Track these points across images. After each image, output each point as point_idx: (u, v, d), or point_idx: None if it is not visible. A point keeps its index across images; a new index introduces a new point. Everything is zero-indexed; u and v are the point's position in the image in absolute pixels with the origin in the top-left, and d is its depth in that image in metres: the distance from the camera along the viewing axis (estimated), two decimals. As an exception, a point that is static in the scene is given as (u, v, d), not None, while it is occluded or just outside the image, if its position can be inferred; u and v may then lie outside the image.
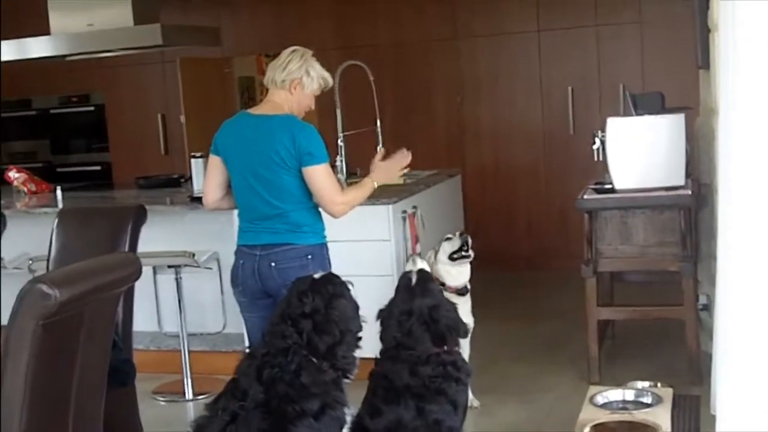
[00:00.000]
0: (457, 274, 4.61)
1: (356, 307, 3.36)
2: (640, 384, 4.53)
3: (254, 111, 4.10)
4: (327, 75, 4.05)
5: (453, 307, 3.68)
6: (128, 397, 3.84)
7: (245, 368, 3.18)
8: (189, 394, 5.32)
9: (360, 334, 3.34)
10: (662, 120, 4.86)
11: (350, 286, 3.44)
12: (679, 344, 5.22)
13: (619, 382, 4.63)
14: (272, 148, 3.86)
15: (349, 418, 3.23)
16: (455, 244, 4.63)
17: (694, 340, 5.00)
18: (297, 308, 3.21)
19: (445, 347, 3.55)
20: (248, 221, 4.02)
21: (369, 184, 4.10)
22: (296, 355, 3.10)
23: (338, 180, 4.21)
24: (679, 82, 6.48)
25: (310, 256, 3.94)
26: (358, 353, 3.31)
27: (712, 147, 5.17)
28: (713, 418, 4.36)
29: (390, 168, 4.18)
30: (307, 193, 3.93)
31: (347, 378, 3.25)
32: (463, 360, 3.66)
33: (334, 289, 3.30)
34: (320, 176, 3.88)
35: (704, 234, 5.33)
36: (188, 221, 5.69)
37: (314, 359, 3.15)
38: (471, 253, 4.62)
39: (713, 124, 5.01)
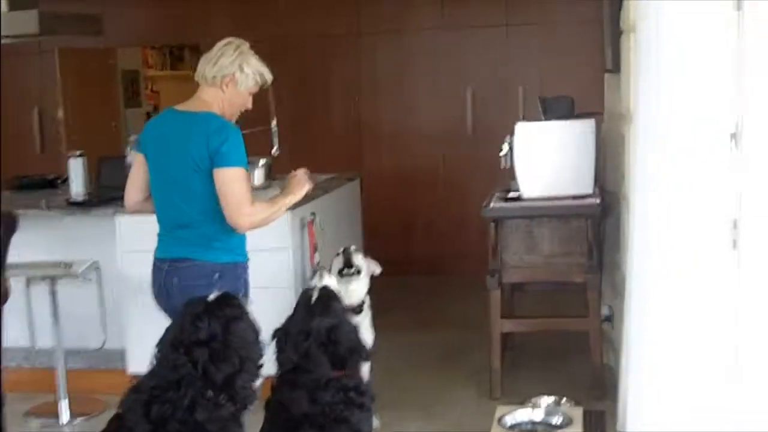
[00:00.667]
0: (347, 292, 4.21)
1: (256, 331, 3.03)
2: (544, 400, 4.41)
3: (180, 107, 3.72)
4: (265, 70, 3.69)
5: (354, 328, 3.41)
6: (-5, 430, 3.45)
7: (131, 403, 2.81)
8: (65, 416, 4.93)
9: (261, 361, 3.01)
10: (573, 125, 4.70)
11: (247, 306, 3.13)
12: (579, 356, 5.12)
13: (523, 396, 4.52)
14: (186, 148, 3.51)
15: None
16: (340, 260, 4.37)
17: (598, 353, 4.87)
18: (191, 334, 2.86)
19: (346, 371, 3.26)
20: (162, 230, 3.72)
21: (281, 201, 3.70)
22: (190, 388, 2.75)
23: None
24: (579, 85, 6.34)
25: (217, 275, 3.55)
26: (258, 382, 2.99)
27: (619, 154, 5.05)
28: (620, 435, 4.26)
29: (297, 185, 3.79)
30: (217, 202, 3.53)
31: (246, 409, 2.92)
32: (366, 384, 3.37)
33: (231, 311, 2.95)
34: (229, 180, 3.46)
35: (609, 244, 5.20)
36: (66, 227, 5.28)
37: (211, 392, 2.80)
38: (359, 268, 4.37)
39: (621, 130, 4.89)
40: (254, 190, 3.81)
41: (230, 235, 3.58)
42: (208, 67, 3.62)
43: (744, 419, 3.51)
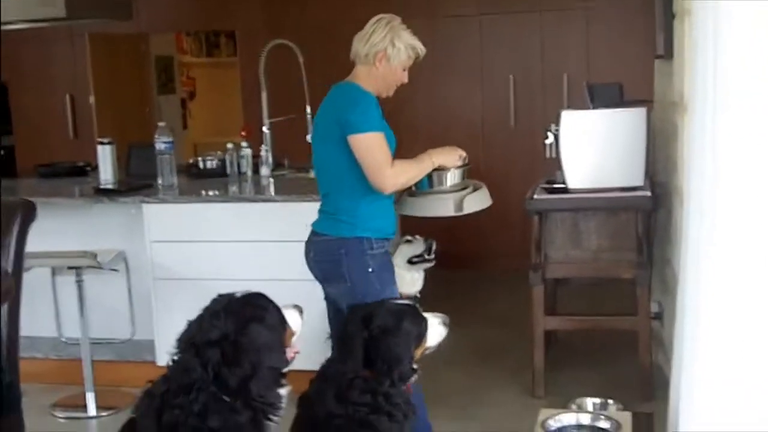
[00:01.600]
0: (411, 280, 4.11)
1: (277, 338, 2.78)
2: (590, 401, 4.20)
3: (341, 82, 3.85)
4: (417, 44, 3.68)
5: (408, 345, 3.15)
6: (12, 428, 3.29)
7: (144, 409, 2.63)
8: (92, 410, 4.79)
9: (282, 368, 2.79)
10: (622, 114, 4.45)
11: (294, 313, 2.93)
12: (627, 355, 4.91)
13: (566, 397, 4.30)
14: (323, 119, 3.71)
15: None
16: (418, 247, 4.14)
17: (647, 352, 4.65)
18: (205, 334, 2.67)
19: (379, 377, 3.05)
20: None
21: (427, 160, 3.75)
22: (201, 392, 2.55)
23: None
24: (627, 72, 6.10)
25: (343, 251, 3.59)
26: (283, 390, 2.77)
27: (671, 144, 4.83)
28: (671, 439, 4.06)
29: (450, 152, 3.86)
30: (351, 173, 3.58)
31: (270, 419, 2.68)
32: (402, 395, 3.11)
33: (252, 311, 2.75)
34: (364, 146, 3.51)
35: (659, 238, 4.97)
36: (94, 215, 5.14)
37: (225, 397, 2.59)
38: (433, 257, 4.15)
39: (674, 118, 4.66)
40: (451, 188, 3.97)
41: (355, 209, 3.61)
42: (360, 45, 3.68)
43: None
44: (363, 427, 2.90)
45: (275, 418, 2.67)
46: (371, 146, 3.52)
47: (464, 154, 3.90)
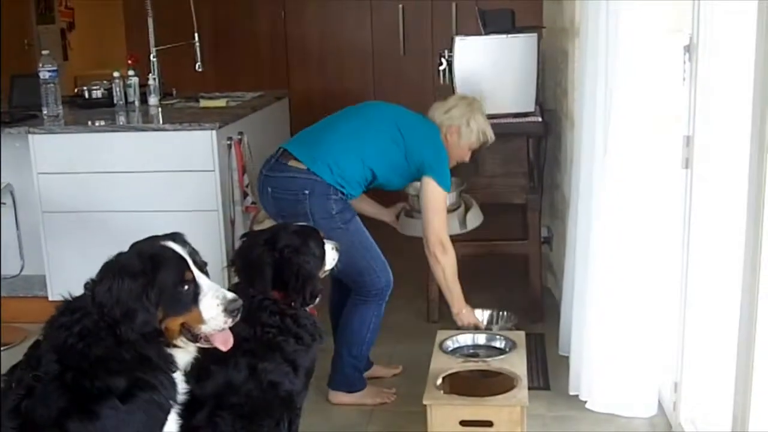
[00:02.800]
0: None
1: (137, 303, 2.35)
2: (486, 313, 4.30)
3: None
4: (489, 130, 3.97)
5: (317, 264, 3.16)
6: None
7: (47, 329, 2.50)
8: (-17, 346, 4.66)
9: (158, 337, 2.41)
10: (515, 41, 4.48)
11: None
12: (518, 279, 5.01)
13: (460, 321, 4.38)
14: (395, 121, 3.88)
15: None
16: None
17: (537, 276, 4.78)
18: (110, 262, 2.45)
19: (289, 299, 3.06)
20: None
21: (457, 302, 4.02)
22: (85, 316, 2.34)
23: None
24: None
25: (307, 191, 3.68)
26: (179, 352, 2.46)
27: (560, 70, 4.91)
28: (561, 358, 4.20)
29: (465, 320, 4.02)
30: (377, 159, 3.79)
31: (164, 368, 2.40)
32: (310, 318, 3.11)
33: (140, 262, 2.40)
34: (436, 197, 3.83)
35: (548, 164, 5.08)
36: (-23, 148, 4.97)
37: (116, 330, 2.33)
38: None
39: (564, 45, 4.74)
40: (450, 206, 4.19)
41: (346, 170, 3.72)
42: (438, 112, 3.95)
43: (688, 342, 3.44)
44: (271, 350, 2.90)
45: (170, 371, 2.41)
46: (440, 203, 3.84)
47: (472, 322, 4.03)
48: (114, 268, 2.38)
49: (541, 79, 4.90)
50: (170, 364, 2.39)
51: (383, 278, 3.85)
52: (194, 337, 2.45)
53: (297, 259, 3.05)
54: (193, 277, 2.42)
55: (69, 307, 2.40)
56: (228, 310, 2.43)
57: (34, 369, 2.33)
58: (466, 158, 4.00)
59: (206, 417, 2.76)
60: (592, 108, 3.68)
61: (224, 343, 2.50)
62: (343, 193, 3.72)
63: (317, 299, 3.14)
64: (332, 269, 3.32)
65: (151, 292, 2.34)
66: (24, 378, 2.33)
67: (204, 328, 2.43)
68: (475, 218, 4.40)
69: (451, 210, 4.16)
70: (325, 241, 3.24)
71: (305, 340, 3.00)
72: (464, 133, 3.89)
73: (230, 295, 2.46)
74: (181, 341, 2.43)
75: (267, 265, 3.01)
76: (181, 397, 2.43)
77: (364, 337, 3.90)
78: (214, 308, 2.42)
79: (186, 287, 2.40)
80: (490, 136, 3.95)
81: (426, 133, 3.85)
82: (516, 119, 4.53)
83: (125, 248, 2.53)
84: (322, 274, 3.24)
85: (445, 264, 3.89)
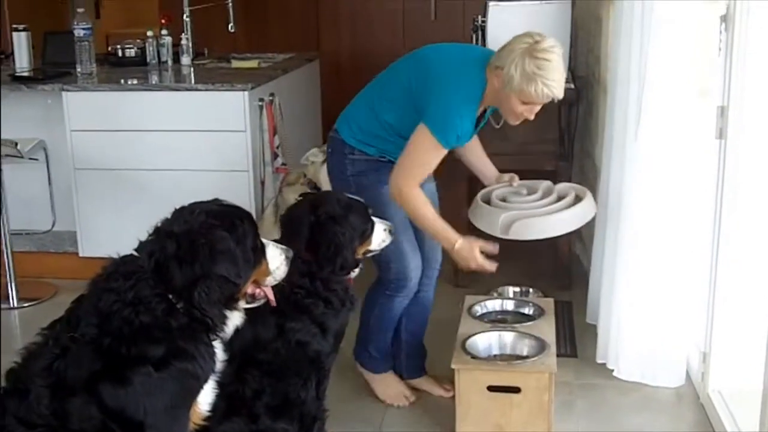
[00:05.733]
0: None
1: (241, 255, 2.38)
2: (511, 290, 4.32)
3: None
4: (547, 84, 3.06)
5: (352, 237, 3.05)
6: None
7: (93, 289, 2.38)
8: (14, 300, 4.75)
9: (235, 281, 2.38)
10: (548, 7, 4.45)
11: (277, 251, 2.56)
12: (546, 246, 4.99)
13: (487, 286, 4.39)
14: (425, 68, 3.32)
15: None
16: None
17: (566, 243, 4.77)
18: (169, 224, 2.41)
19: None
20: None
21: (448, 239, 3.28)
22: (139, 281, 2.30)
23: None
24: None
25: (330, 150, 3.53)
26: (233, 314, 2.44)
27: (593, 37, 4.88)
28: (589, 326, 4.20)
29: (470, 258, 3.28)
30: (388, 110, 3.34)
31: (212, 335, 2.36)
32: (345, 286, 3.07)
33: (228, 220, 2.39)
34: (419, 141, 3.19)
35: (579, 131, 5.05)
36: (11, 104, 4.99)
37: (169, 295, 2.30)
38: None
39: (598, 11, 4.71)
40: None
41: (363, 125, 3.40)
42: (499, 48, 3.19)
43: (718, 312, 3.44)
44: (299, 311, 2.90)
45: (217, 335, 2.39)
46: (420, 151, 3.21)
47: (484, 265, 3.33)
48: (200, 230, 2.33)
49: (574, 46, 4.87)
50: (225, 326, 2.39)
51: (396, 266, 3.48)
52: (251, 297, 2.50)
53: (332, 227, 2.99)
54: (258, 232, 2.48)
55: (120, 270, 2.35)
56: (288, 258, 2.52)
57: (73, 328, 2.32)
58: (521, 114, 3.20)
59: (234, 373, 2.78)
60: (626, 76, 3.65)
61: (273, 295, 2.56)
62: (364, 152, 3.38)
63: (350, 272, 3.09)
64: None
65: (247, 245, 2.39)
66: (61, 337, 2.32)
67: (268, 280, 2.50)
68: (529, 230, 3.45)
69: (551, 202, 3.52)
70: (375, 219, 3.17)
71: (334, 305, 2.99)
72: (506, 79, 3.07)
73: (283, 245, 2.55)
74: (242, 302, 2.46)
75: (304, 225, 2.99)
76: (218, 367, 2.43)
77: (368, 319, 3.64)
78: (278, 258, 2.50)
79: (259, 241, 2.46)
80: (548, 91, 3.08)
81: (442, 74, 3.22)
82: (548, 86, 4.50)
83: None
84: (363, 252, 3.17)
85: (409, 211, 3.28)
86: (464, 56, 3.30)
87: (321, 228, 2.99)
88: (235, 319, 2.44)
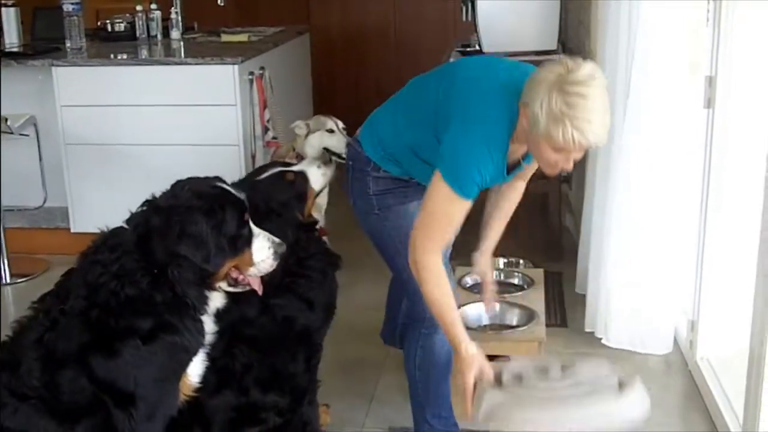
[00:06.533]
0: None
1: (215, 240, 2.35)
2: (501, 261, 4.34)
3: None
4: (567, 128, 2.32)
5: (287, 215, 2.90)
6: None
7: (82, 262, 2.42)
8: (6, 277, 4.78)
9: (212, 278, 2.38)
10: (539, -24, 4.46)
11: (266, 243, 2.50)
12: (537, 217, 5.03)
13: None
14: (450, 90, 2.68)
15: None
16: (339, 141, 4.15)
17: (556, 215, 4.80)
18: (161, 199, 2.43)
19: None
20: None
21: (460, 343, 2.63)
22: (125, 254, 2.30)
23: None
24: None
25: (351, 163, 2.98)
26: (213, 294, 2.43)
27: (582, 8, 4.88)
28: (578, 296, 4.23)
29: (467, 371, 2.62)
30: (414, 134, 2.76)
31: (194, 311, 2.36)
32: (321, 250, 3.04)
33: (209, 199, 2.37)
34: (436, 196, 2.59)
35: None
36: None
37: (154, 269, 2.31)
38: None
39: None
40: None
41: (388, 145, 2.85)
42: (528, 78, 2.49)
43: (705, 281, 3.47)
44: (282, 289, 2.83)
45: (199, 312, 2.39)
46: (438, 204, 2.59)
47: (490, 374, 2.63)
48: (179, 208, 2.33)
49: (564, 17, 4.87)
50: (205, 306, 2.40)
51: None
52: (234, 281, 2.47)
53: (263, 220, 2.71)
54: (248, 220, 2.45)
55: (107, 243, 2.37)
56: (276, 253, 2.47)
57: (62, 301, 2.35)
58: (556, 163, 2.47)
59: (223, 348, 2.78)
60: (615, 47, 3.66)
61: (260, 286, 2.54)
62: (389, 172, 2.88)
63: (314, 230, 3.03)
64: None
65: (224, 232, 2.35)
66: (51, 310, 2.35)
67: (252, 271, 2.46)
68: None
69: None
70: (306, 165, 3.05)
71: (315, 279, 2.94)
72: (532, 119, 2.40)
73: (276, 239, 2.49)
74: (221, 285, 2.45)
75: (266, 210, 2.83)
76: (208, 340, 2.45)
77: (413, 375, 3.07)
78: (265, 251, 2.46)
79: (245, 230, 2.42)
80: (580, 136, 2.33)
81: (462, 106, 2.62)
82: (538, 57, 4.49)
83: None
84: (315, 199, 3.07)
85: (425, 282, 2.65)
86: (495, 81, 2.62)
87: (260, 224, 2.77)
88: (215, 301, 2.44)
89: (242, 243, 2.42)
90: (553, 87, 2.34)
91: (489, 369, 2.61)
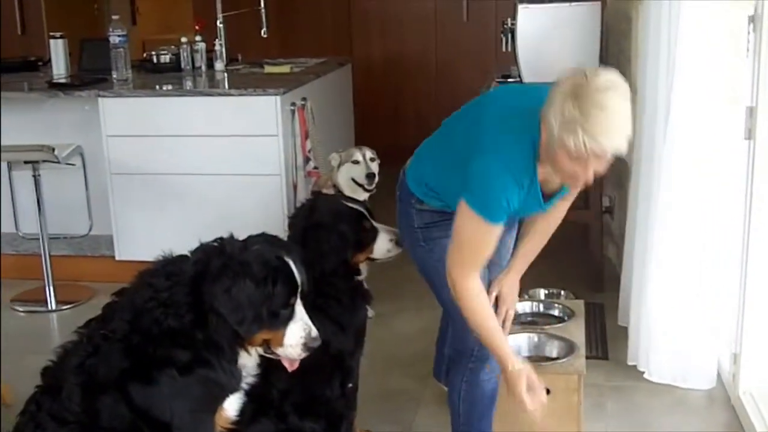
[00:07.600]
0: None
1: (253, 312, 2.33)
2: (542, 292, 4.32)
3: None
4: (578, 135, 2.27)
5: (338, 246, 2.95)
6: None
7: (137, 280, 2.42)
8: (52, 303, 4.83)
9: (238, 328, 2.32)
10: (578, 8, 4.47)
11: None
12: (578, 248, 5.01)
13: (520, 289, 4.38)
14: (483, 122, 2.64)
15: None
16: (359, 174, 4.21)
17: (598, 245, 4.78)
18: (230, 243, 2.43)
19: None
20: None
21: (507, 358, 2.67)
22: (176, 286, 2.31)
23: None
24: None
25: (399, 193, 2.96)
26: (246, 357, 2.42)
27: (624, 38, 4.87)
28: (620, 328, 4.20)
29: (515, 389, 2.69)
30: (451, 165, 2.70)
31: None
32: (353, 284, 3.05)
33: (264, 272, 2.35)
34: (466, 224, 2.58)
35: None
36: (48, 110, 5.10)
37: (200, 307, 2.32)
38: (373, 188, 4.21)
39: (628, 12, 4.70)
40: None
41: (429, 181, 2.83)
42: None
43: (748, 313, 3.43)
44: (314, 310, 2.83)
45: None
46: (467, 231, 2.60)
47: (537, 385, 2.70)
48: (236, 266, 2.32)
49: (605, 46, 4.87)
50: (237, 359, 2.39)
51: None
52: (268, 349, 2.46)
53: (317, 234, 2.92)
54: (295, 302, 2.42)
55: (165, 269, 2.38)
56: (307, 346, 2.43)
57: (107, 324, 2.36)
58: (576, 173, 2.42)
59: (260, 375, 2.79)
60: (655, 76, 3.66)
61: (291, 365, 2.52)
62: (431, 205, 2.86)
63: (350, 279, 3.02)
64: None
65: (267, 305, 2.33)
66: (94, 335, 2.37)
67: (279, 351, 2.44)
68: None
69: None
70: (380, 228, 3.09)
71: (344, 303, 2.97)
72: (549, 129, 2.37)
73: (314, 331, 2.44)
74: (255, 350, 2.44)
75: (298, 230, 2.97)
76: (243, 386, 2.44)
77: (456, 408, 3.02)
78: (296, 338, 2.42)
79: (287, 311, 2.40)
80: (592, 143, 2.28)
81: (484, 130, 2.60)
82: (578, 87, 4.51)
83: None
84: (364, 258, 3.09)
85: (464, 308, 2.68)
86: (522, 103, 2.60)
87: (309, 234, 2.94)
88: (245, 360, 2.42)
89: (280, 322, 2.40)
90: (569, 94, 2.30)
91: (537, 381, 2.66)
